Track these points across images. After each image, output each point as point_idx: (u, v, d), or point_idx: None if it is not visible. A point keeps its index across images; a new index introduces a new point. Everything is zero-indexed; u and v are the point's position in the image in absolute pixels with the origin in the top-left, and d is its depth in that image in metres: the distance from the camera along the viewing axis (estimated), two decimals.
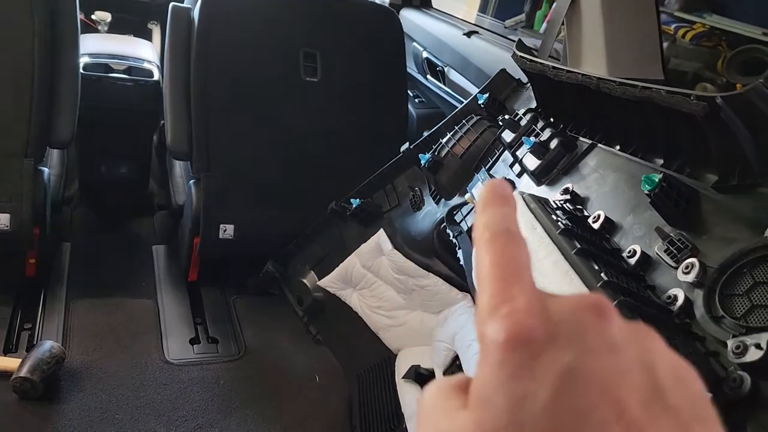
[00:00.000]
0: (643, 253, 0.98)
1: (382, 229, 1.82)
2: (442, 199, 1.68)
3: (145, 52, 2.60)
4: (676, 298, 0.89)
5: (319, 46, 2.20)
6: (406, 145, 1.81)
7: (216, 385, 1.93)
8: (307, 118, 2.18)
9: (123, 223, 2.66)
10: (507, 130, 1.47)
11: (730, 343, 0.77)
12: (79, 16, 2.07)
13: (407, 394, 1.69)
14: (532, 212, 1.03)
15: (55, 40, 1.95)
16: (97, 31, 2.96)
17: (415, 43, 2.69)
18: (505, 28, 4.42)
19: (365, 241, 1.87)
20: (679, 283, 0.91)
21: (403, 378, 1.71)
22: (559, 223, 0.99)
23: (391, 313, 1.86)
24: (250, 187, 2.13)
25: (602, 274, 0.86)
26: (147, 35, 3.17)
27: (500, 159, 1.51)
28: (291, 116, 2.16)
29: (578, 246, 0.93)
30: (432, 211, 1.69)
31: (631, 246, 1.01)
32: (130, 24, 3.15)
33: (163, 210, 2.65)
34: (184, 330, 2.12)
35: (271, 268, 2.24)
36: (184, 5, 2.17)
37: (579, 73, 1.21)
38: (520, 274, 0.25)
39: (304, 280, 2.11)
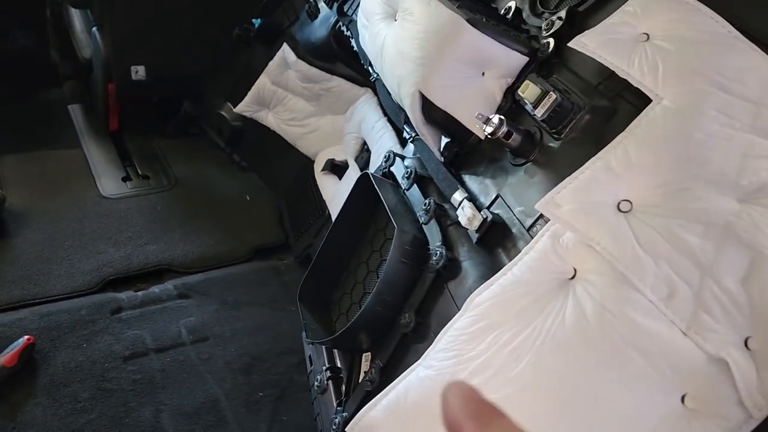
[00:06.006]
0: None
1: (285, 44, 1.96)
2: (334, 4, 1.82)
3: None
4: (510, 8, 1.12)
5: None
6: None
7: (154, 211, 2.11)
8: None
9: (32, 94, 2.65)
10: None
11: (543, 24, 1.02)
12: None
13: (326, 184, 1.93)
14: None
15: None
16: None
17: None
18: None
19: (271, 60, 2.02)
20: None
21: (321, 171, 1.95)
22: None
23: (304, 122, 2.06)
24: (153, 28, 2.16)
25: None
26: None
27: None
28: None
29: None
30: (327, 16, 1.84)
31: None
32: None
33: (70, 80, 2.65)
34: (114, 172, 2.24)
35: (188, 108, 2.35)
36: None
37: None
38: None
39: (222, 112, 2.25)
